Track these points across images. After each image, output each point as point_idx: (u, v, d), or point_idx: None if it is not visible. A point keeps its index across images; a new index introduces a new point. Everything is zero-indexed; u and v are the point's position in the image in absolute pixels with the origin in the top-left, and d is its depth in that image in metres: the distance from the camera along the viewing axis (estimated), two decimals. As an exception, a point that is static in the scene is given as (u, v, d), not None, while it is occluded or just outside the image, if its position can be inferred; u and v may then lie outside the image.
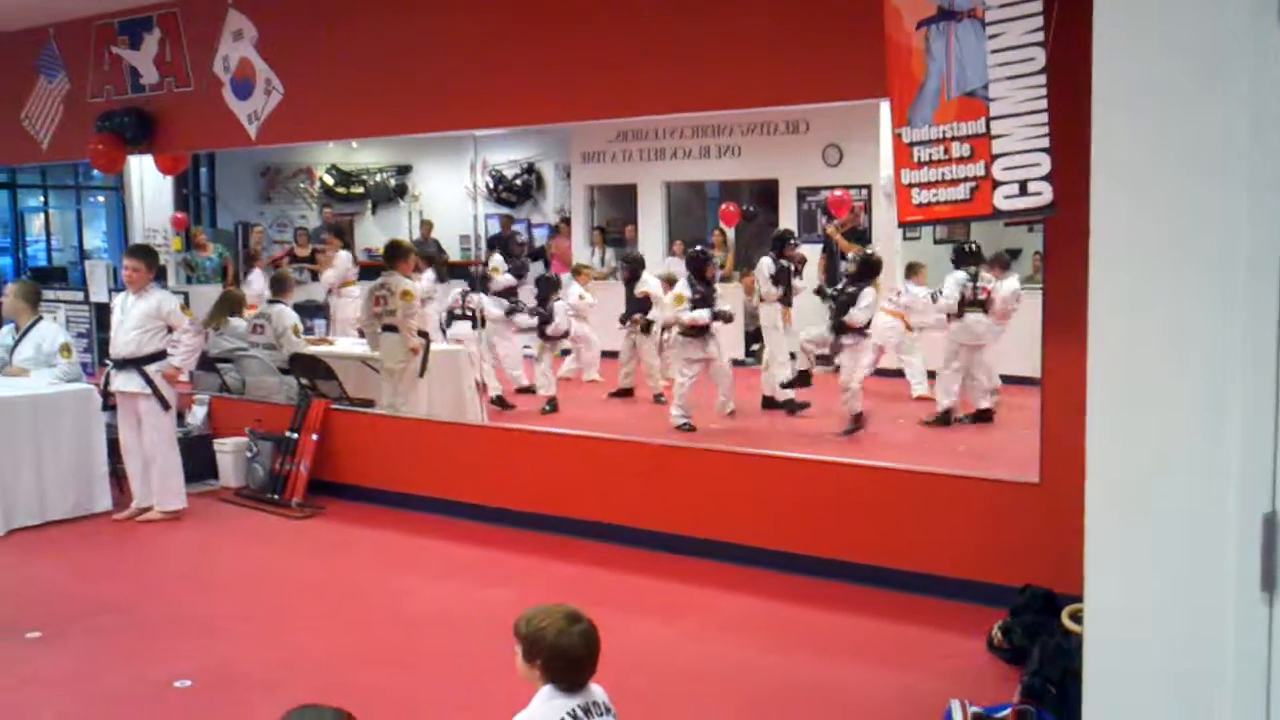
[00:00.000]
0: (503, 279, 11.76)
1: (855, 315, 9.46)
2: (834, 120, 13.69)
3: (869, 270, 9.74)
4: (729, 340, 13.13)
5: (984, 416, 9.88)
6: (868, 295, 9.54)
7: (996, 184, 5.12)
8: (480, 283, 11.64)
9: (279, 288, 10.03)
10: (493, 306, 11.32)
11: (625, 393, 11.55)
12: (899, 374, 11.29)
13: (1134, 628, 2.54)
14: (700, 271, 9.71)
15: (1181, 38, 2.45)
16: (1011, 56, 5.01)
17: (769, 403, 10.59)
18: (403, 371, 8.96)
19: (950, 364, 9.94)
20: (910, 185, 5.40)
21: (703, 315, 9.44)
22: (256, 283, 13.42)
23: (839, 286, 10.00)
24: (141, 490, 7.84)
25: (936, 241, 13.54)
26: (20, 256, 18.00)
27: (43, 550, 7.21)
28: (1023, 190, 5.06)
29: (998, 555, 5.79)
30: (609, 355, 12.31)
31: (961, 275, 9.96)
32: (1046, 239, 5.71)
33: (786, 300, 10.64)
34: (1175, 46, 2.46)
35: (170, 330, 7.66)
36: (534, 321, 11.22)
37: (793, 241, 10.94)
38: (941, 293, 10.06)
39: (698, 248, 10.64)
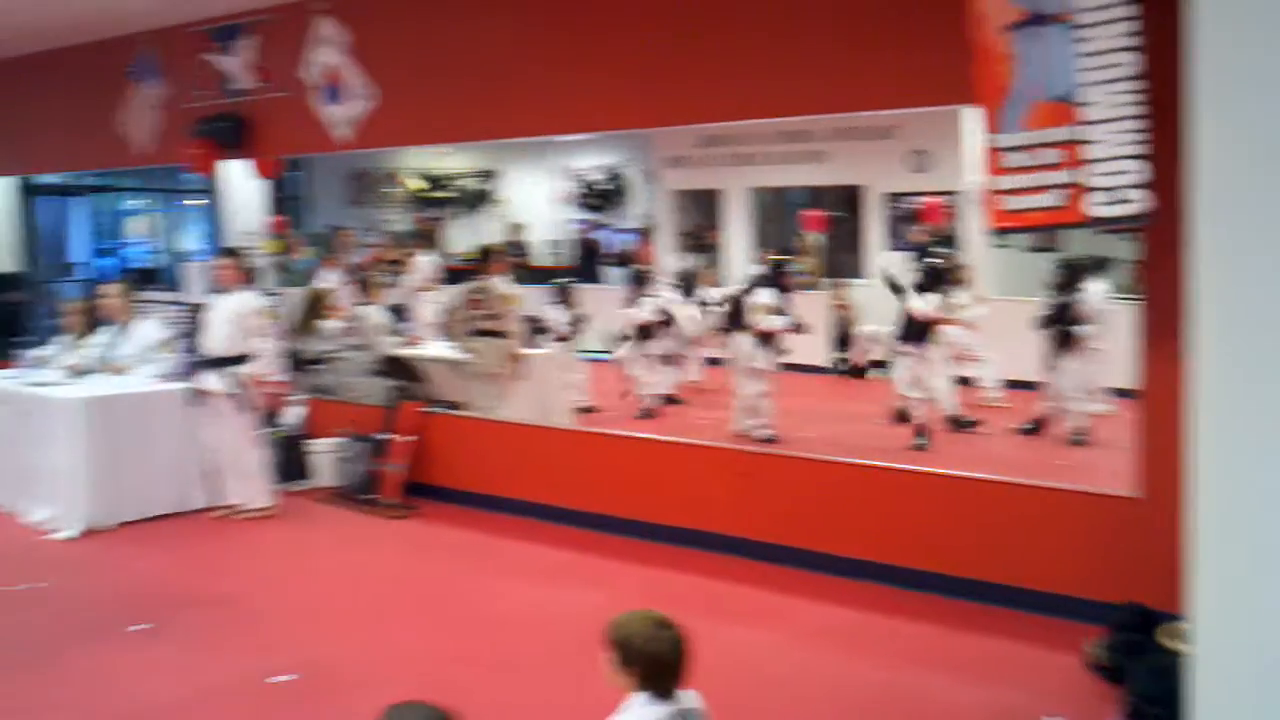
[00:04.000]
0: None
1: (913, 303, 9.44)
2: (920, 126, 13.56)
3: (936, 279, 9.67)
4: (812, 347, 13.06)
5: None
6: (934, 297, 9.49)
7: (1089, 191, 5.04)
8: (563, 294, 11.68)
9: (366, 290, 10.20)
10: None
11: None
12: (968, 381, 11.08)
13: (1243, 646, 2.49)
14: (782, 282, 9.79)
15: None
16: (1102, 61, 4.94)
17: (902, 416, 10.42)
18: (498, 375, 9.04)
19: None
20: (1001, 192, 5.34)
21: (781, 323, 9.45)
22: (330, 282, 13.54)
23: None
24: (226, 487, 8.02)
25: (1027, 250, 13.33)
26: (120, 258, 18.49)
27: (148, 545, 7.41)
28: (1116, 198, 4.98)
29: (1092, 570, 5.71)
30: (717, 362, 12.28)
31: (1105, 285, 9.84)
32: (1143, 247, 5.59)
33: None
34: (1275, 45, 2.42)
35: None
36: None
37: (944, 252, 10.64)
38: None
39: (777, 257, 10.57)
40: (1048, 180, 5.18)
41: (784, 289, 9.80)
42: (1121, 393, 9.44)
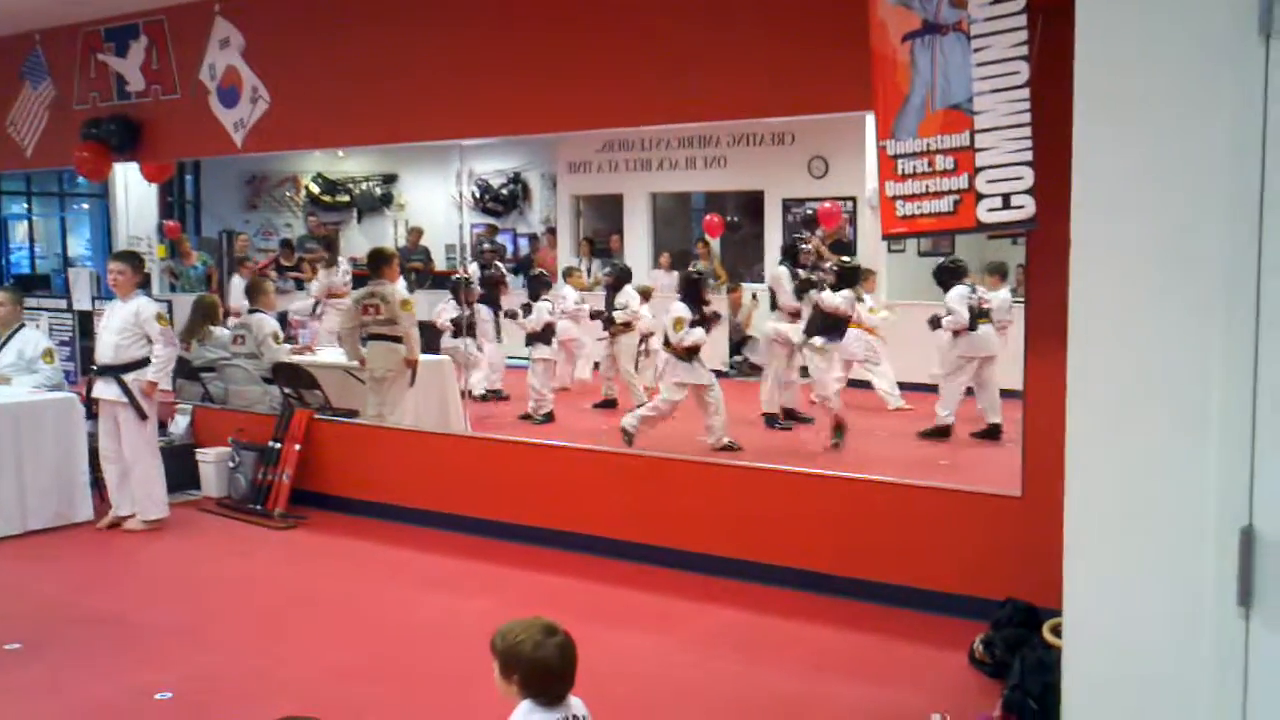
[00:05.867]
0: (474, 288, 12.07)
1: (827, 298, 9.58)
2: (820, 132, 13.72)
3: (849, 279, 9.84)
4: (710, 352, 13.13)
5: (993, 433, 9.81)
6: (845, 294, 9.65)
7: (980, 197, 5.13)
8: (461, 290, 11.68)
9: (255, 296, 10.00)
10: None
11: (609, 404, 11.55)
12: (868, 385, 11.28)
13: (1112, 641, 2.55)
14: (697, 294, 9.44)
15: (1162, 52, 2.46)
16: (996, 70, 5.03)
17: (772, 419, 10.50)
18: (392, 381, 8.91)
19: (956, 378, 9.97)
20: (894, 198, 5.41)
21: (700, 335, 9.26)
22: (238, 290, 13.41)
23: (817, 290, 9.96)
24: (119, 498, 7.81)
25: (921, 254, 13.57)
26: (2, 263, 17.94)
27: (23, 560, 7.17)
28: (1005, 204, 5.07)
29: (979, 569, 5.80)
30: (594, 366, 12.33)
31: (964, 289, 10.00)
32: (1029, 252, 5.73)
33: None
34: (1156, 60, 2.48)
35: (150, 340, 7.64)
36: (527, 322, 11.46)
37: (805, 249, 10.86)
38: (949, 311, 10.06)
39: (693, 269, 10.49)
40: (941, 186, 5.25)
41: (700, 301, 9.41)
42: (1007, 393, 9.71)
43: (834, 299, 9.60)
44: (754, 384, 12.06)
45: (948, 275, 10.19)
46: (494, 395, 11.88)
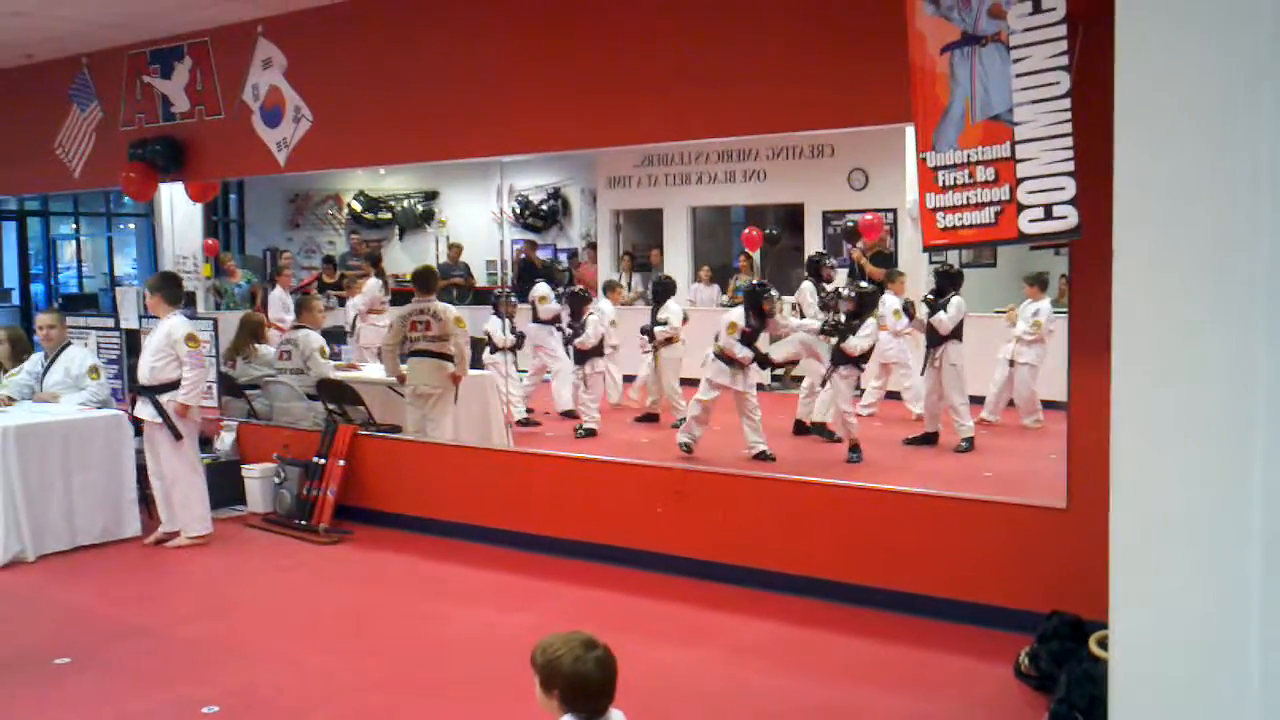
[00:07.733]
0: (550, 307, 11.92)
1: (853, 343, 9.57)
2: (859, 144, 13.69)
3: (868, 304, 9.84)
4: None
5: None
6: (869, 326, 9.65)
7: (1021, 208, 5.10)
8: (502, 309, 11.69)
9: (302, 312, 10.08)
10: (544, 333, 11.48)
11: (650, 417, 11.55)
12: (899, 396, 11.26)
13: (1159, 654, 2.52)
14: (759, 306, 9.41)
15: (1202, 64, 2.45)
16: (1036, 80, 5.00)
17: (800, 428, 10.52)
18: (438, 397, 8.93)
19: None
20: (935, 209, 5.39)
21: (746, 354, 9.24)
22: (277, 302, 13.52)
23: (837, 319, 9.92)
24: (167, 514, 7.89)
25: (963, 265, 13.50)
26: (52, 283, 18.21)
27: (72, 575, 7.26)
28: (1048, 214, 5.04)
29: (1025, 581, 5.75)
30: (631, 379, 12.32)
31: (962, 300, 10.01)
32: (1072, 263, 5.68)
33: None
34: (1196, 72, 2.46)
35: None
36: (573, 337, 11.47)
37: (829, 263, 10.90)
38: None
39: (757, 282, 10.45)
40: (982, 198, 5.23)
41: (759, 311, 9.37)
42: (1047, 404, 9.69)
43: (855, 343, 9.60)
44: (793, 395, 12.08)
45: (948, 282, 10.18)
46: (567, 416, 11.82)
